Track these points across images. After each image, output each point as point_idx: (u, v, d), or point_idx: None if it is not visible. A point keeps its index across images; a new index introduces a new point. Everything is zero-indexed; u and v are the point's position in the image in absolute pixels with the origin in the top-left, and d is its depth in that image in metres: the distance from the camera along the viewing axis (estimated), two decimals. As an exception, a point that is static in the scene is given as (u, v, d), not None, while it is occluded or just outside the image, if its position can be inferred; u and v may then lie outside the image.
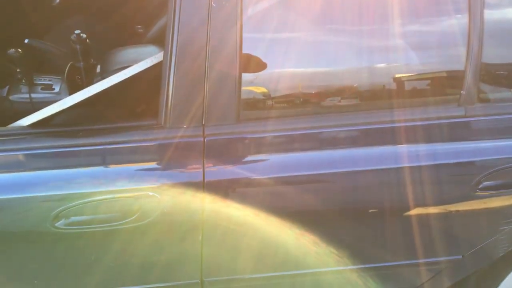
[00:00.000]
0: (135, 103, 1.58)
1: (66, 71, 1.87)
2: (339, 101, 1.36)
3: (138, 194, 1.25)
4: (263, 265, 1.44)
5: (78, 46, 1.84)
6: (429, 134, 1.33)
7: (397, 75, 1.40)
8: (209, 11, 1.23)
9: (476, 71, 1.31)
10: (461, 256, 1.49)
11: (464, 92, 1.33)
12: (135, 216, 1.26)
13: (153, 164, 1.27)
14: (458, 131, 1.35)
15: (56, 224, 1.24)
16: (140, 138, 1.27)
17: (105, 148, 1.27)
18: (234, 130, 1.30)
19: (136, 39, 2.30)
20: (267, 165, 1.32)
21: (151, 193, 1.25)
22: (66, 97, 1.70)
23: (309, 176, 1.33)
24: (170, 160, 1.27)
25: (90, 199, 1.23)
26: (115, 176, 1.26)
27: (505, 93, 1.39)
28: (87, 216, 1.25)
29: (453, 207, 1.38)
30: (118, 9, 2.37)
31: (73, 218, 1.25)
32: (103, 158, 1.27)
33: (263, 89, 1.37)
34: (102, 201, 1.24)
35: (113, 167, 1.27)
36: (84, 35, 1.86)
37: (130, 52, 1.85)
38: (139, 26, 2.38)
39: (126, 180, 1.26)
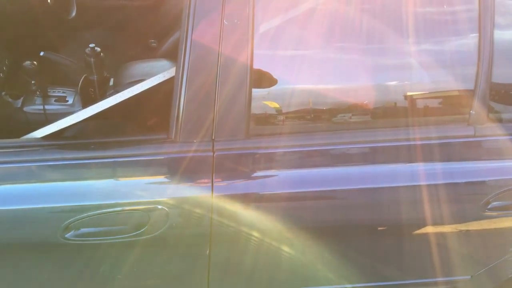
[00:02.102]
0: (147, 117, 1.60)
1: (80, 84, 1.90)
2: (349, 118, 1.37)
3: (148, 207, 1.27)
4: (270, 280, 1.44)
5: (92, 60, 1.87)
6: (439, 153, 1.33)
7: (407, 94, 1.41)
8: (221, 29, 1.25)
9: (486, 91, 1.32)
10: (470, 277, 1.48)
11: (473, 112, 1.33)
12: (144, 229, 1.27)
13: (162, 178, 1.29)
14: (467, 151, 1.35)
15: (66, 236, 1.25)
16: (151, 151, 1.29)
17: (115, 161, 1.28)
18: (244, 145, 1.31)
19: (150, 53, 2.34)
20: (276, 181, 1.33)
21: (160, 207, 1.27)
22: (79, 109, 1.73)
23: (318, 192, 1.33)
24: (180, 174, 1.29)
25: (99, 211, 1.25)
26: (125, 189, 1.28)
27: (514, 114, 1.40)
28: (96, 228, 1.27)
29: (462, 227, 1.38)
30: (132, 23, 2.41)
31: (83, 230, 1.26)
32: (114, 171, 1.29)
33: (273, 105, 1.38)
34: (111, 213, 1.25)
35: (123, 180, 1.29)
36: (98, 49, 1.89)
37: (143, 66, 1.88)
38: (152, 40, 2.41)
39: (136, 193, 1.27)
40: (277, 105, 1.38)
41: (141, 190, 1.27)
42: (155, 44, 2.39)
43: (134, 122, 1.56)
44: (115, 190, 1.27)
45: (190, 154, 1.29)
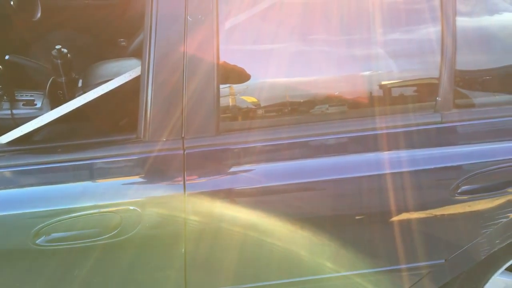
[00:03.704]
0: (115, 117, 1.58)
1: (47, 87, 1.87)
2: (318, 110, 1.38)
3: (119, 209, 1.25)
4: (247, 276, 1.44)
5: (59, 61, 1.84)
6: (408, 141, 1.35)
7: (375, 84, 1.42)
8: (185, 25, 1.24)
9: (451, 77, 1.33)
10: (443, 260, 1.51)
11: (439, 99, 1.35)
12: (116, 231, 1.26)
13: (133, 178, 1.28)
14: (435, 137, 1.36)
15: (37, 242, 1.24)
16: (120, 152, 1.28)
17: (84, 164, 1.27)
18: (214, 142, 1.30)
19: (120, 52, 2.31)
20: (248, 175, 1.33)
21: (132, 207, 1.26)
22: (48, 111, 1.70)
23: (289, 185, 1.34)
24: (150, 173, 1.28)
25: (70, 215, 1.23)
26: (95, 191, 1.26)
27: (480, 99, 1.41)
28: (68, 232, 1.25)
29: (433, 212, 1.40)
30: (100, 22, 2.38)
31: (54, 235, 1.24)
32: (83, 174, 1.27)
33: (242, 100, 1.38)
34: (82, 217, 1.24)
35: (92, 182, 1.27)
36: (65, 50, 1.86)
37: (112, 65, 1.85)
38: (122, 39, 2.38)
39: (107, 195, 1.26)
40: (247, 100, 1.37)
41: (112, 192, 1.26)
42: (124, 43, 2.36)
43: (103, 123, 1.54)
44: (85, 193, 1.25)
45: (160, 153, 1.28)
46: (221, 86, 1.30)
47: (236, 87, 1.36)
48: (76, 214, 1.24)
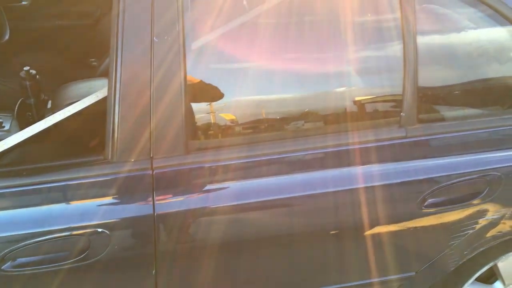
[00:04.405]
0: (82, 139, 1.57)
1: (16, 108, 1.85)
2: (284, 127, 1.39)
3: (87, 231, 1.24)
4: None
5: (27, 83, 1.83)
6: (375, 155, 1.37)
7: (342, 100, 1.45)
8: (151, 45, 1.25)
9: (414, 93, 1.37)
10: (414, 273, 1.53)
11: (404, 114, 1.38)
12: (85, 254, 1.24)
13: (101, 200, 1.27)
14: (400, 152, 1.39)
15: (2, 267, 1.21)
16: (87, 174, 1.27)
17: (51, 187, 1.25)
18: (183, 161, 1.30)
19: (90, 72, 2.30)
20: (217, 194, 1.33)
21: (100, 230, 1.24)
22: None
23: (258, 203, 1.34)
24: (119, 194, 1.27)
25: (37, 239, 1.21)
26: (62, 214, 1.25)
27: (442, 114, 1.45)
28: (34, 256, 1.23)
29: (402, 225, 1.42)
30: (71, 43, 2.37)
31: (20, 260, 1.22)
32: (49, 197, 1.25)
33: (211, 119, 1.39)
34: (50, 241, 1.22)
35: (59, 205, 1.26)
36: (34, 71, 1.85)
37: (81, 86, 1.84)
38: (93, 59, 2.38)
39: (74, 218, 1.24)
40: (215, 118, 1.38)
41: (79, 214, 1.25)
42: (95, 63, 2.36)
43: (70, 145, 1.53)
44: (52, 217, 1.24)
45: (128, 174, 1.27)
46: (189, 105, 1.31)
47: (204, 105, 1.37)
48: (42, 238, 1.22)
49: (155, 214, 1.27)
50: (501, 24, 1.42)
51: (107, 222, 1.25)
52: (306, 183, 1.36)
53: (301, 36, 1.44)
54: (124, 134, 1.26)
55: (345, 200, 1.37)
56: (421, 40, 1.37)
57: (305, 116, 1.43)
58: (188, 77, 1.29)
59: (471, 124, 1.43)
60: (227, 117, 1.40)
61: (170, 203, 1.29)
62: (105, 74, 2.07)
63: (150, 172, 1.28)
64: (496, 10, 1.39)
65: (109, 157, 1.27)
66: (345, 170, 1.37)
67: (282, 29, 1.44)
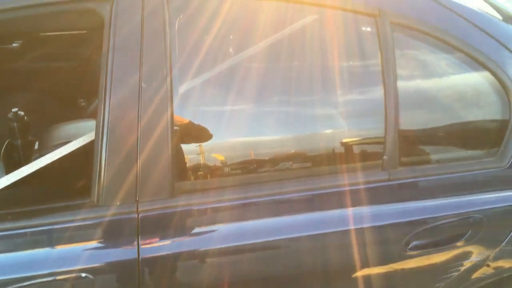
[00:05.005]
0: (68, 181, 1.57)
1: (3, 150, 1.85)
2: (269, 170, 1.41)
3: (71, 276, 1.23)
4: None
5: (15, 124, 1.84)
6: (358, 198, 1.39)
7: (327, 143, 1.48)
8: (139, 90, 1.27)
9: (395, 137, 1.40)
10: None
11: (386, 157, 1.41)
12: (67, 300, 1.23)
13: (85, 244, 1.26)
14: (383, 194, 1.41)
15: (-17, 314, 1.19)
16: (72, 218, 1.26)
17: (35, 231, 1.24)
18: (169, 204, 1.31)
19: (79, 112, 2.32)
20: (203, 237, 1.33)
21: (84, 274, 1.23)
22: (2, 176, 1.67)
23: (245, 245, 1.34)
24: (104, 239, 1.26)
25: (19, 284, 1.20)
26: (46, 259, 1.23)
27: (424, 156, 1.49)
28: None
29: (386, 268, 1.42)
30: (60, 84, 2.40)
31: (2, 306, 1.20)
32: (34, 241, 1.24)
33: (197, 161, 1.41)
34: (33, 286, 1.20)
35: (44, 250, 1.25)
36: (22, 113, 1.87)
37: (69, 127, 1.86)
38: (81, 100, 2.40)
39: (57, 262, 1.23)
40: (202, 161, 1.40)
41: (64, 259, 1.24)
42: (84, 104, 2.38)
43: (56, 188, 1.53)
44: (36, 261, 1.23)
45: (113, 218, 1.27)
46: (176, 147, 1.32)
47: (191, 147, 1.39)
48: (26, 284, 1.20)
49: (140, 258, 1.27)
50: (477, 70, 1.48)
51: (91, 267, 1.24)
52: (291, 225, 1.36)
53: (286, 80, 1.48)
54: (110, 177, 1.26)
55: (330, 243, 1.37)
56: (402, 84, 1.42)
57: (289, 158, 1.45)
58: (176, 118, 1.31)
59: (452, 167, 1.46)
60: (214, 159, 1.42)
61: (155, 247, 1.29)
62: (94, 115, 2.10)
63: (136, 215, 1.28)
64: (471, 57, 1.44)
65: (95, 200, 1.27)
66: (330, 213, 1.38)
67: (267, 73, 1.49)
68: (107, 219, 1.27)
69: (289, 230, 1.36)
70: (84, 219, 1.26)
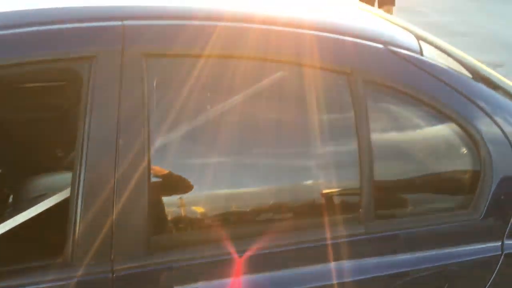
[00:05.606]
0: (40, 239, 1.54)
1: (-25, 204, 1.81)
2: (247, 225, 1.41)
3: None
4: None
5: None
6: (334, 252, 1.39)
7: (304, 196, 1.50)
8: (117, 147, 1.27)
9: (369, 189, 1.42)
10: None
11: (362, 210, 1.42)
12: None
13: (57, 306, 1.22)
14: (361, 248, 1.42)
15: None
16: (44, 279, 1.23)
17: (5, 293, 1.20)
18: (145, 262, 1.28)
19: (56, 163, 2.29)
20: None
21: None
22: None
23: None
24: (76, 300, 1.23)
25: None
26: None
27: (399, 209, 1.51)
28: None
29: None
30: (37, 134, 2.37)
31: None
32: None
33: (174, 217, 1.40)
34: None
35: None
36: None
37: (45, 180, 1.84)
38: (59, 150, 2.37)
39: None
40: (177, 217, 1.39)
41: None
42: (61, 154, 2.35)
43: (28, 245, 1.49)
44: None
45: (87, 278, 1.24)
46: (152, 204, 1.31)
47: (169, 204, 1.39)
48: None
49: (114, 320, 1.23)
50: (447, 124, 1.52)
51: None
52: (274, 282, 1.35)
53: (262, 134, 1.50)
54: (84, 237, 1.24)
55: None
56: (375, 137, 1.45)
57: (267, 211, 1.46)
58: (154, 170, 1.30)
59: (427, 219, 1.48)
60: (190, 214, 1.42)
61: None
62: (71, 166, 2.08)
63: (110, 275, 1.25)
64: (441, 112, 1.49)
65: (68, 259, 1.24)
66: (310, 268, 1.38)
67: (244, 128, 1.51)
68: (80, 279, 1.23)
69: (272, 287, 1.34)
70: (56, 280, 1.23)
